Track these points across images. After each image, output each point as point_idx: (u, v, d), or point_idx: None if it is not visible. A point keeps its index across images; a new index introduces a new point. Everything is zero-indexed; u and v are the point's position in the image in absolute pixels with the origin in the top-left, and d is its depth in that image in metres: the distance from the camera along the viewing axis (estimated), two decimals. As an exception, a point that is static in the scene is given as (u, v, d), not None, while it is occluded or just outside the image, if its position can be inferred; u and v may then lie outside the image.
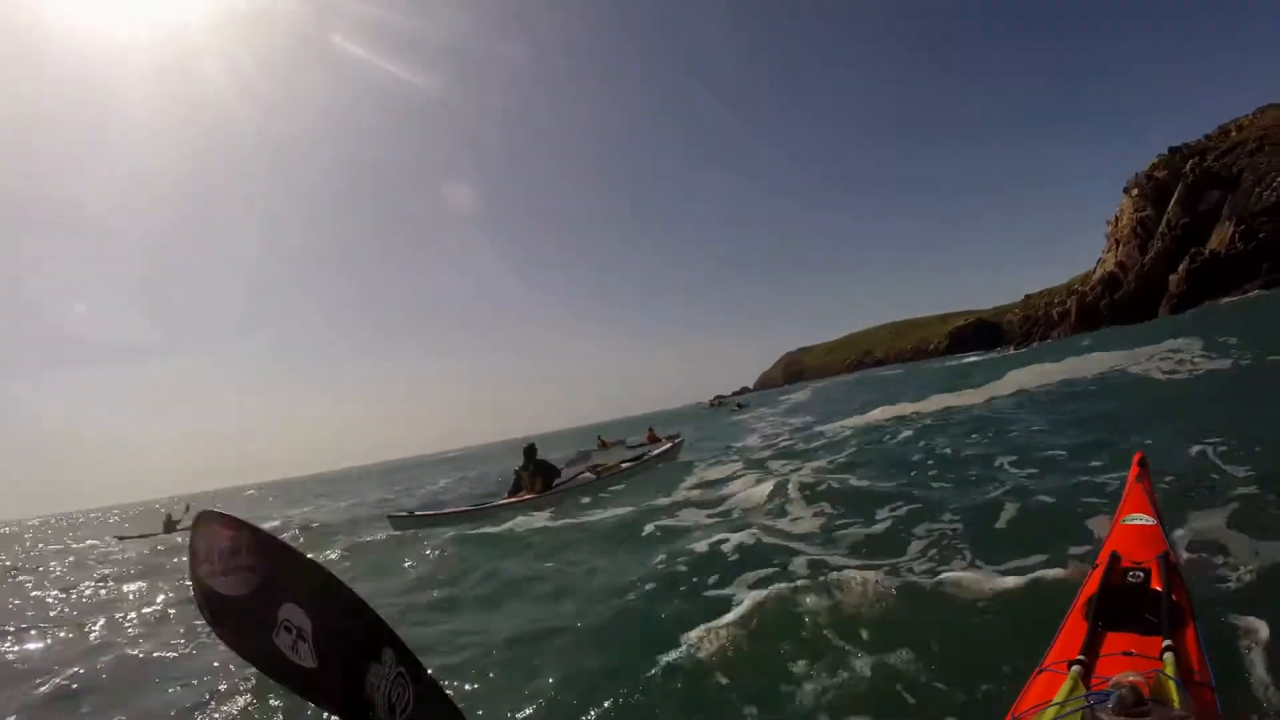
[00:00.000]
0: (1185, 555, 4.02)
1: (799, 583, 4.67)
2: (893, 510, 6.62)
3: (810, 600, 4.39)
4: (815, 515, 7.00)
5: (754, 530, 6.45)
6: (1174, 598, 2.75)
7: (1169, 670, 2.21)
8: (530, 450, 11.65)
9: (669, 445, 13.31)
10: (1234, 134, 53.46)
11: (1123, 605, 2.78)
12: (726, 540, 6.18)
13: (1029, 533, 5.34)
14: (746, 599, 4.56)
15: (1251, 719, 2.90)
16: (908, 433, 11.77)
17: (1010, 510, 5.94)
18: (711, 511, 8.06)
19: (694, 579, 5.47)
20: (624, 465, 12.27)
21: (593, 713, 3.69)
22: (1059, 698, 2.18)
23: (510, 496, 11.26)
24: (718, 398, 78.87)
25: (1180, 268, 45.54)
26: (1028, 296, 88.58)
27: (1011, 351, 58.07)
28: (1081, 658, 2.40)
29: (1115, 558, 3.14)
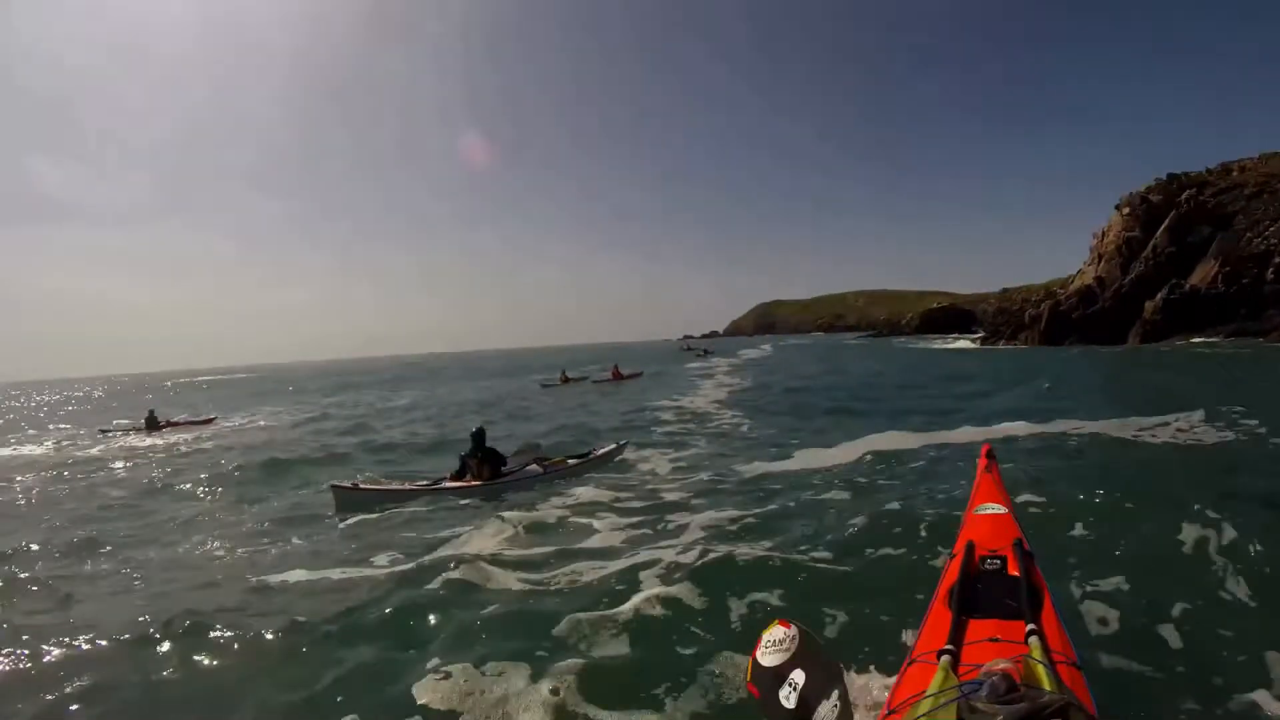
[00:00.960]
0: (1039, 541, 3.98)
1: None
2: (760, 518, 7.07)
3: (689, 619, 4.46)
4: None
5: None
6: (1031, 582, 2.83)
7: (1035, 654, 2.24)
8: (479, 435, 11.20)
9: (613, 447, 12.75)
10: (1235, 174, 52.89)
11: (983, 592, 2.83)
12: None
13: (888, 531, 5.56)
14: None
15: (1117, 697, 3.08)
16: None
17: (869, 514, 6.30)
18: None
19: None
20: (570, 462, 11.82)
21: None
22: (932, 689, 2.15)
23: (454, 479, 10.95)
24: (686, 339, 79.36)
25: (1158, 296, 45.34)
26: (1005, 290, 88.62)
27: (980, 346, 58.72)
28: (949, 647, 2.41)
29: (971, 546, 3.17)
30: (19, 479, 14.20)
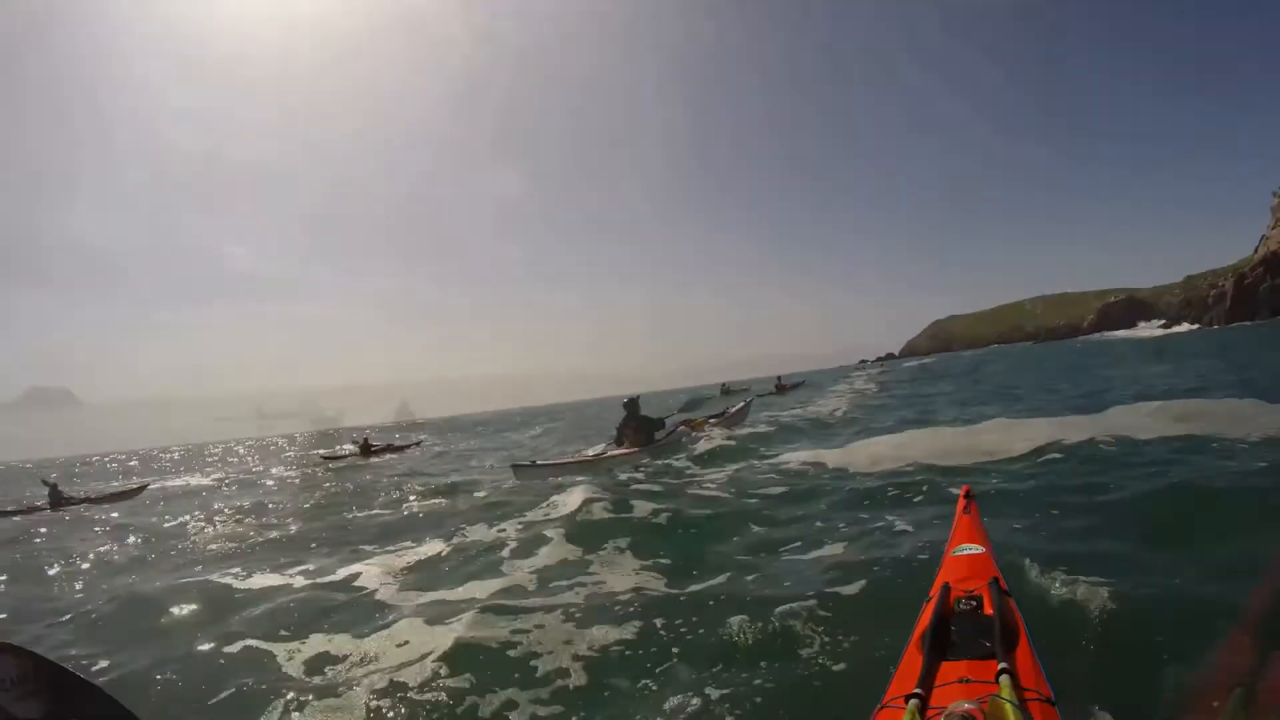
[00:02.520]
0: (1017, 578, 3.81)
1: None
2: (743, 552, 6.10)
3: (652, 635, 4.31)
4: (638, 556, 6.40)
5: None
6: (1006, 621, 2.77)
7: (1004, 692, 2.19)
8: (631, 404, 11.99)
9: (741, 406, 14.54)
10: None
11: (957, 634, 2.79)
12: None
13: (866, 573, 5.02)
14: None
15: None
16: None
17: (852, 550, 5.65)
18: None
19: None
20: (711, 421, 13.54)
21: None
22: None
23: (615, 447, 11.97)
24: (862, 362, 80.00)
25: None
26: (1189, 277, 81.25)
27: (1158, 332, 54.87)
28: (918, 690, 2.34)
29: (946, 589, 3.12)
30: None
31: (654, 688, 3.75)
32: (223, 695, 4.12)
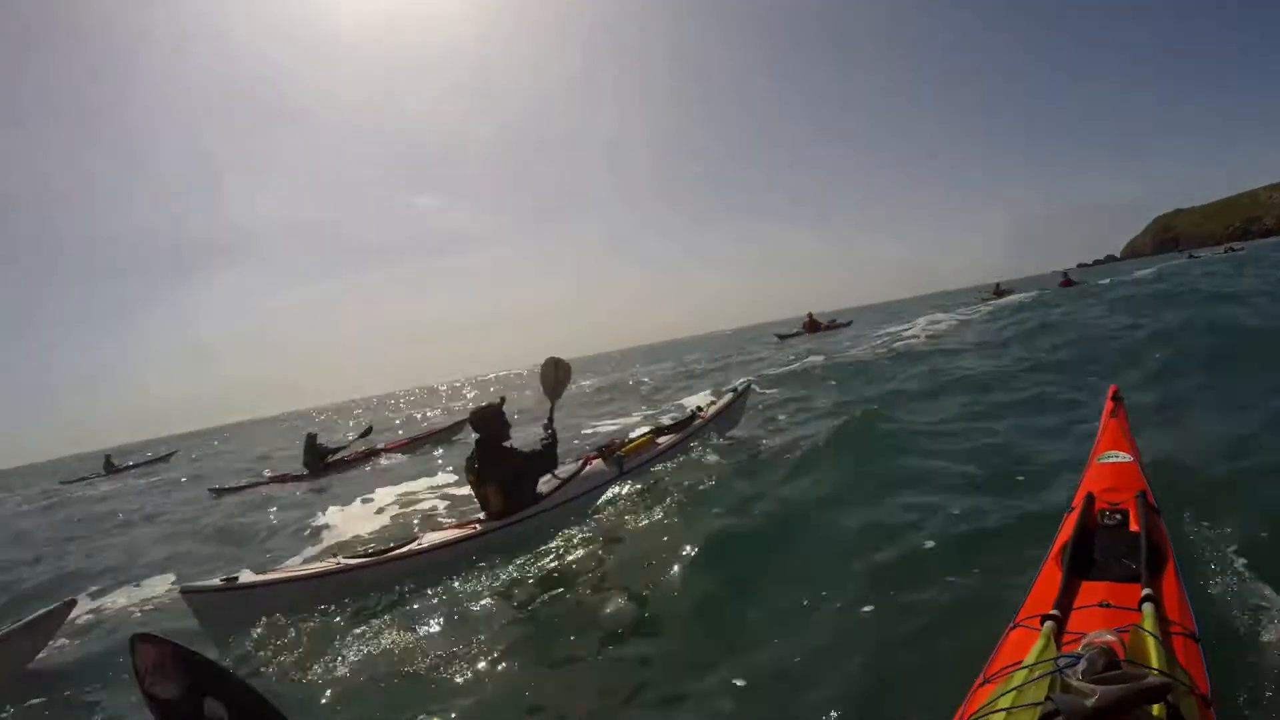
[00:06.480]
0: (1167, 492, 3.39)
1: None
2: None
3: (768, 549, 4.09)
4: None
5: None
6: (1153, 540, 2.52)
7: (1147, 624, 2.01)
8: (482, 419, 5.72)
9: (730, 399, 8.17)
10: None
11: (1099, 550, 2.55)
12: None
13: (1003, 477, 4.81)
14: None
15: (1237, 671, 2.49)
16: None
17: (984, 452, 5.44)
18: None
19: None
20: (659, 441, 7.06)
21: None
22: (1029, 658, 1.92)
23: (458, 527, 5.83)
24: (1070, 271, 58.51)
25: None
26: None
27: None
28: (1055, 612, 2.16)
29: (1090, 499, 2.86)
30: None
31: (784, 609, 3.56)
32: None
